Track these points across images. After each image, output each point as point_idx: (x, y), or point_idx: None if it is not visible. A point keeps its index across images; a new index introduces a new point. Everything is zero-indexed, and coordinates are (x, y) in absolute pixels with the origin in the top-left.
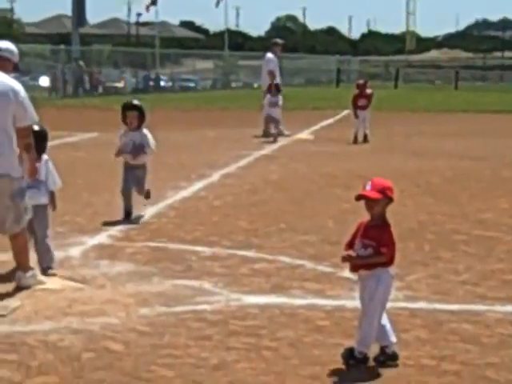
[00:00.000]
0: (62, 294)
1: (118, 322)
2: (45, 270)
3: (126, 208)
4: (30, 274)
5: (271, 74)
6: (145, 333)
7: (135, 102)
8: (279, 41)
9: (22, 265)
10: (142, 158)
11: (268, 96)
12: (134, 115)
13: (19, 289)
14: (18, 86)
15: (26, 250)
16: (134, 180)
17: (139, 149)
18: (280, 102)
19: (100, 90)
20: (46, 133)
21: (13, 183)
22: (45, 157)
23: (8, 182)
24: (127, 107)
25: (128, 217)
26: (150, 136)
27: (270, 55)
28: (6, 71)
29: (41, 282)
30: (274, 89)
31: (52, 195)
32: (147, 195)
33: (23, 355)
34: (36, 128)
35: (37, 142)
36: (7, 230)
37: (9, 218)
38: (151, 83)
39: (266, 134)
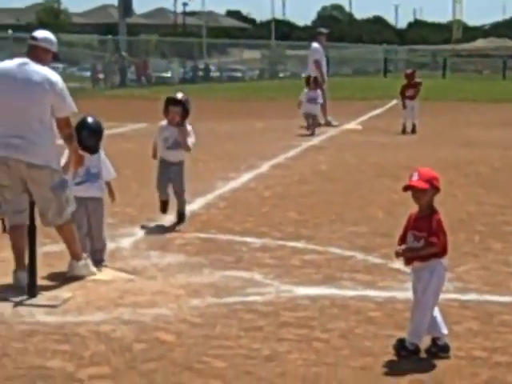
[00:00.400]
0: (114, 285)
1: (169, 313)
2: (97, 262)
3: (163, 199)
4: (82, 263)
5: (317, 63)
6: (196, 324)
7: (180, 96)
8: (324, 30)
9: (73, 254)
10: (181, 156)
11: (305, 91)
12: (177, 111)
13: (71, 280)
14: (55, 77)
15: (75, 240)
16: (170, 178)
17: (179, 145)
18: (320, 100)
19: (145, 80)
20: (101, 127)
21: (53, 175)
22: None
23: (49, 173)
24: (171, 102)
25: (164, 210)
26: (192, 133)
27: (315, 45)
28: (45, 61)
29: (93, 273)
30: (313, 83)
31: (108, 186)
32: (181, 218)
33: (75, 346)
34: (90, 120)
35: (93, 136)
36: (50, 222)
37: (50, 210)
38: (200, 73)
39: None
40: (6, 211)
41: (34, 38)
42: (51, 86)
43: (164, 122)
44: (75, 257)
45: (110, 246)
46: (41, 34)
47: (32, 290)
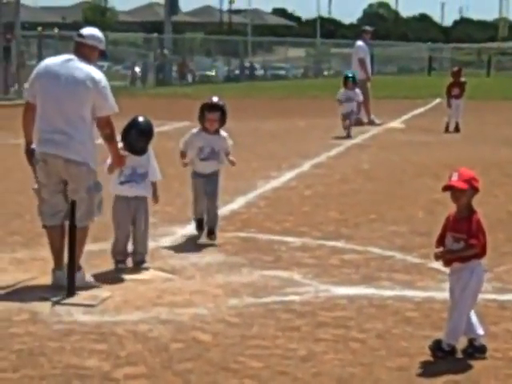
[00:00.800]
0: (152, 285)
1: (206, 313)
2: (138, 263)
3: (199, 217)
4: (79, 274)
5: (361, 62)
6: (233, 323)
7: (216, 100)
8: (369, 28)
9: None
10: (217, 166)
11: (342, 91)
12: (214, 117)
13: (110, 279)
14: (98, 75)
15: (82, 248)
16: (205, 192)
17: (216, 156)
18: (359, 97)
19: (189, 78)
20: (151, 128)
21: (90, 174)
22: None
23: (86, 172)
24: (207, 107)
25: (202, 227)
26: (230, 142)
27: (360, 43)
28: (91, 59)
29: (87, 284)
30: (351, 82)
31: (153, 187)
32: (211, 234)
33: (112, 345)
34: (141, 120)
35: (143, 137)
36: (77, 221)
37: (79, 211)
38: (245, 71)
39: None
40: (44, 211)
41: (81, 36)
42: (94, 84)
43: (195, 130)
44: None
45: (150, 244)
46: (88, 31)
47: (71, 289)
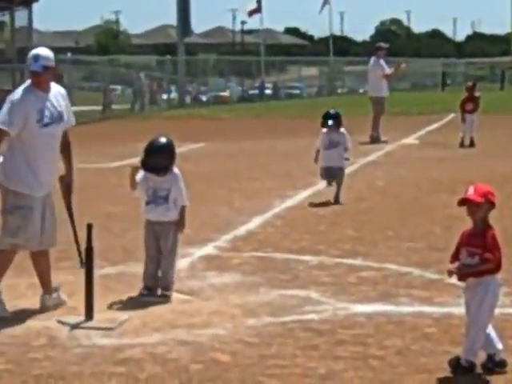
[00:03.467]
0: (170, 307)
1: (225, 333)
2: (162, 290)
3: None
4: (55, 295)
5: (387, 77)
6: (252, 343)
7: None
8: (383, 45)
9: (47, 285)
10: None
11: (323, 132)
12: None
13: (128, 302)
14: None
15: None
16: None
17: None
18: (346, 144)
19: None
20: (171, 147)
21: (5, 195)
22: (175, 170)
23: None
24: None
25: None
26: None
27: (375, 60)
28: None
29: (63, 302)
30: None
31: (180, 213)
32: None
33: (131, 368)
34: (158, 137)
35: (165, 154)
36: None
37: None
38: (257, 91)
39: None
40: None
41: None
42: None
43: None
44: (49, 288)
45: None
46: (47, 52)
47: (89, 312)
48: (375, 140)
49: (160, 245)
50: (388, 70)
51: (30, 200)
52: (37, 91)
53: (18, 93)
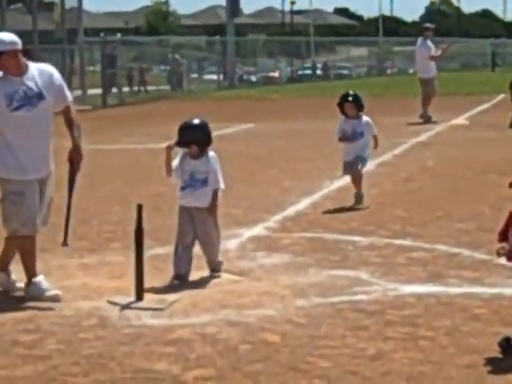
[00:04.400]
0: (220, 287)
1: (274, 314)
2: (211, 271)
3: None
4: (38, 279)
5: (433, 59)
6: (301, 324)
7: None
8: (430, 25)
9: (31, 271)
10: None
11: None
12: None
13: (177, 282)
14: None
15: (23, 257)
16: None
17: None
18: (373, 129)
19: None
20: (200, 124)
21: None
22: (210, 153)
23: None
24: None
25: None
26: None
27: (422, 41)
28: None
29: (46, 290)
30: (354, 107)
31: (213, 196)
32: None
33: (181, 348)
34: (198, 120)
35: (199, 131)
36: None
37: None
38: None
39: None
40: None
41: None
42: None
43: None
44: (32, 274)
45: None
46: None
47: (139, 293)
48: (427, 120)
49: (197, 232)
50: (434, 52)
51: (20, 185)
52: (6, 76)
53: None
